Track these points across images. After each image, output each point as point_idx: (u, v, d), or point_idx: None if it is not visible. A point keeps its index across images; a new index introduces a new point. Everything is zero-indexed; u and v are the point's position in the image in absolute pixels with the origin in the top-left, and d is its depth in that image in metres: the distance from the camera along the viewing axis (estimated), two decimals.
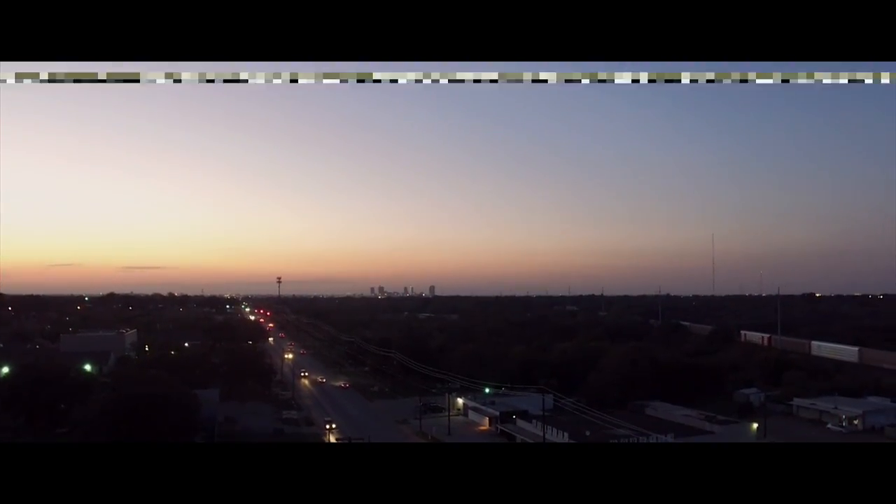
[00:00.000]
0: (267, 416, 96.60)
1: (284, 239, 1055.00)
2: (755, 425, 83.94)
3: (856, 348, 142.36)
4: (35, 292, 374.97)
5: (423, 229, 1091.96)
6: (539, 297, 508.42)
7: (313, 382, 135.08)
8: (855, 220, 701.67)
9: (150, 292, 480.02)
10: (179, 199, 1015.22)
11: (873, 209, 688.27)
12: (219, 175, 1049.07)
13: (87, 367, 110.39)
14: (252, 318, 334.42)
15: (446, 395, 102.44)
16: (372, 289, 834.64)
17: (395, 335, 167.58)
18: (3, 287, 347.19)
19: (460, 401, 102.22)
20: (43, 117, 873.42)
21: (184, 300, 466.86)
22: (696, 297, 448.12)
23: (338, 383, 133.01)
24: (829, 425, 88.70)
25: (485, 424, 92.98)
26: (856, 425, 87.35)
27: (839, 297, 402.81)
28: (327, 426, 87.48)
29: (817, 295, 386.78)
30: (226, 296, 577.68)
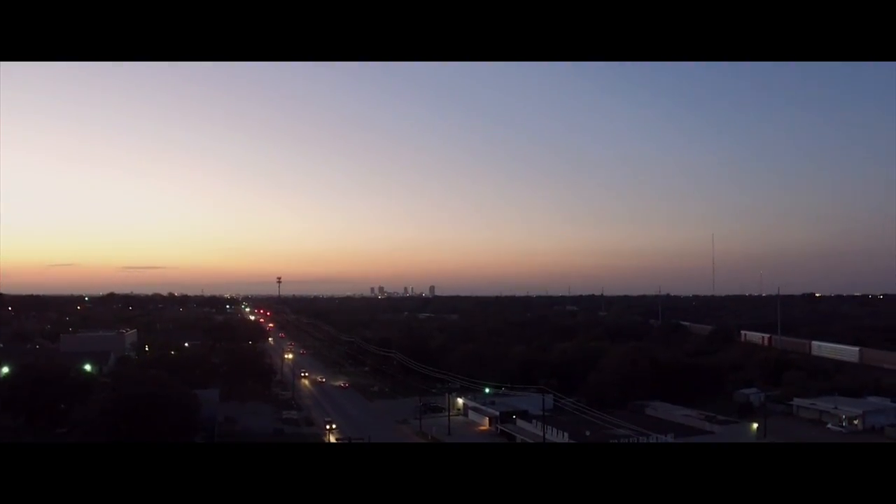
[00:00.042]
0: (267, 416, 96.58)
1: (284, 239, 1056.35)
2: (755, 425, 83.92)
3: (856, 348, 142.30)
4: (35, 292, 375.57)
5: (423, 229, 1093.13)
6: (539, 297, 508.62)
7: (313, 382, 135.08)
8: (855, 220, 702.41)
9: (150, 292, 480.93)
10: (179, 199, 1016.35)
11: (873, 209, 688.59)
12: (219, 175, 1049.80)
13: (87, 367, 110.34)
14: (252, 318, 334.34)
15: (446, 395, 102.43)
16: (372, 289, 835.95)
17: (395, 335, 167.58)
18: (3, 287, 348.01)
19: (460, 401, 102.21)
20: (43, 117, 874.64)
21: (184, 300, 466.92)
22: (696, 297, 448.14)
23: (338, 383, 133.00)
24: (829, 425, 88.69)
25: (485, 424, 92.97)
26: (856, 425, 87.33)
27: (839, 297, 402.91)
28: (327, 426, 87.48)
29: (817, 295, 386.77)
30: (226, 296, 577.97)
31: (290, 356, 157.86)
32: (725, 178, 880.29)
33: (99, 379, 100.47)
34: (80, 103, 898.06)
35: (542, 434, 78.46)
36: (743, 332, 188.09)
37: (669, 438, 74.81)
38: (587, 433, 76.79)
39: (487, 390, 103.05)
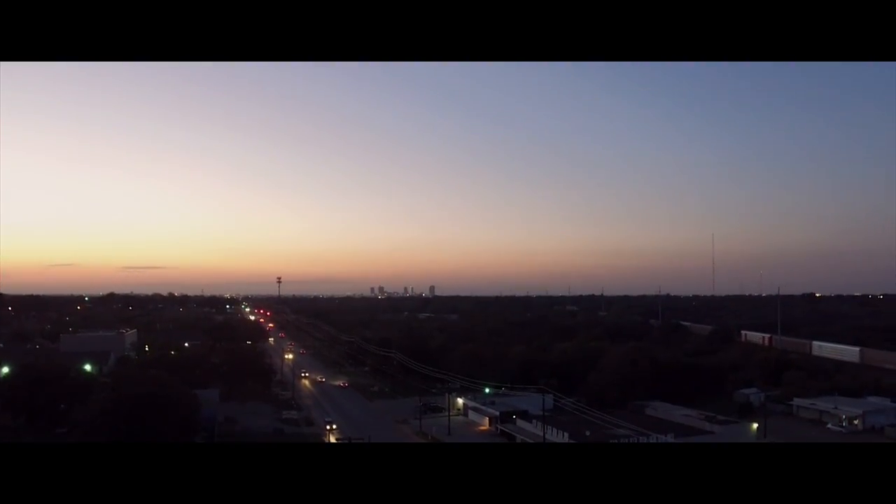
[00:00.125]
0: (267, 416, 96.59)
1: (284, 239, 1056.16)
2: (755, 425, 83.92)
3: (856, 348, 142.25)
4: (35, 292, 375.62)
5: (423, 229, 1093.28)
6: (539, 297, 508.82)
7: (313, 382, 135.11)
8: (855, 220, 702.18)
9: (150, 292, 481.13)
10: (179, 199, 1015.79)
11: (873, 209, 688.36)
12: (219, 175, 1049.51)
13: (87, 367, 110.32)
14: (252, 318, 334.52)
15: (446, 395, 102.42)
16: (372, 289, 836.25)
17: (395, 335, 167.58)
18: (3, 287, 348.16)
19: (460, 401, 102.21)
20: (43, 117, 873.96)
21: (184, 300, 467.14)
22: (696, 297, 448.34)
23: (338, 383, 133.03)
24: (829, 425, 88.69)
25: (485, 424, 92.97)
26: (856, 425, 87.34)
27: (839, 297, 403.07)
28: (327, 426, 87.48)
29: (817, 295, 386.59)
30: (226, 296, 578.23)
31: (290, 356, 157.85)
32: (725, 178, 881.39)
33: (99, 379, 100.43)
34: (80, 103, 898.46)
35: (542, 434, 78.47)
36: (743, 332, 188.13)
37: (669, 438, 74.82)
38: (587, 433, 76.80)
39: (487, 390, 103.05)
